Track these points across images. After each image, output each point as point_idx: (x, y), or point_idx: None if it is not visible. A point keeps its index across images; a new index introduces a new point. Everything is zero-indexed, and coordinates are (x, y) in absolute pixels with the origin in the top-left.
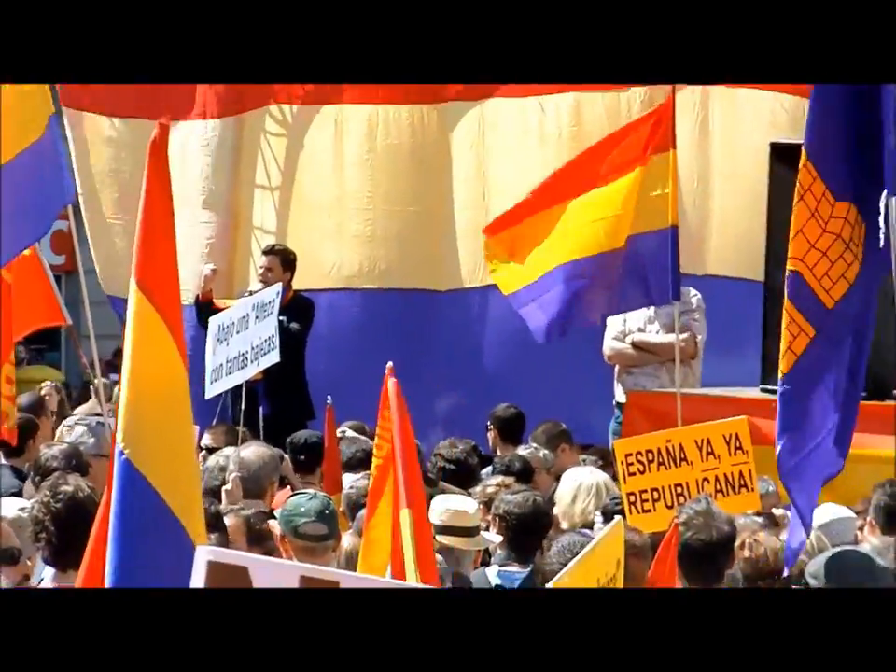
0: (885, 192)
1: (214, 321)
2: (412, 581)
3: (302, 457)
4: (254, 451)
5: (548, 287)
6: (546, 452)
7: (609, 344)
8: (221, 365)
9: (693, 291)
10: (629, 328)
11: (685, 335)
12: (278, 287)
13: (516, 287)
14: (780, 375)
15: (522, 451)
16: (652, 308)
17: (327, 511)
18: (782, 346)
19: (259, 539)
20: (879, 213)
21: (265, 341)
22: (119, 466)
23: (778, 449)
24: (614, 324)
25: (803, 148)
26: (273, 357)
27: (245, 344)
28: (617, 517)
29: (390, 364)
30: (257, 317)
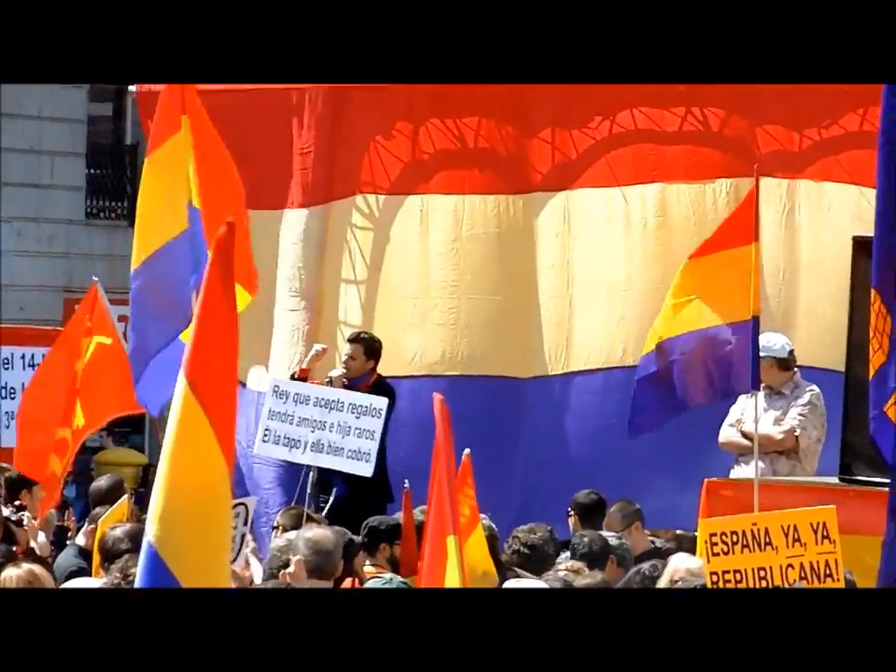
0: None
1: (284, 384)
2: None
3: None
4: (324, 533)
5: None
6: (615, 541)
7: (724, 432)
8: (286, 435)
9: (809, 386)
10: (745, 417)
11: (785, 427)
12: (384, 401)
13: None
14: None
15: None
16: (761, 399)
17: None
18: None
19: None
20: None
21: (362, 452)
22: (147, 562)
23: None
24: (733, 412)
25: None
26: (366, 471)
27: (332, 436)
28: None
29: (467, 451)
30: (357, 417)
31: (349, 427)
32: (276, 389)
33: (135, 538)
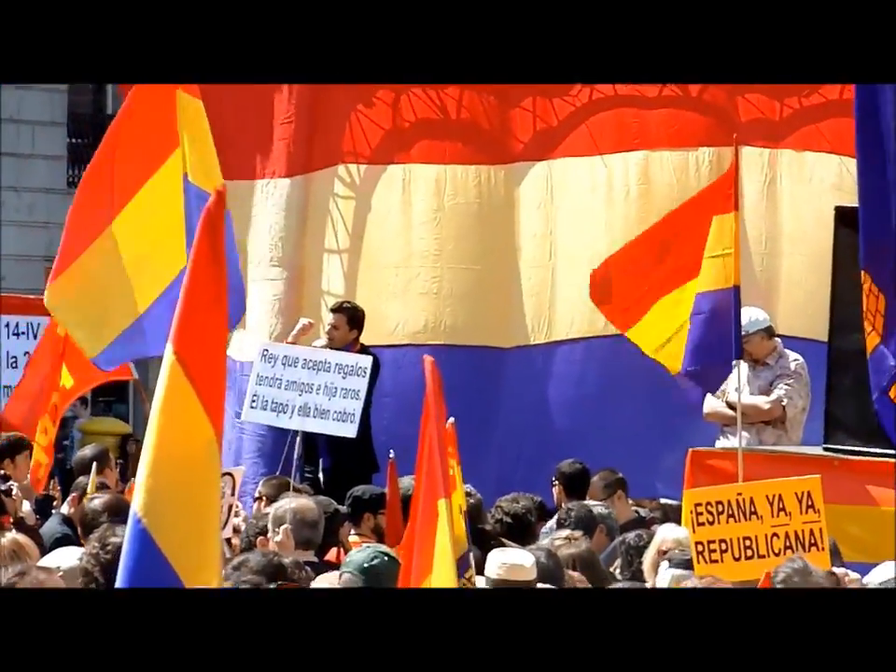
0: None
1: (273, 348)
2: (445, 568)
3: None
4: (309, 504)
5: None
6: (603, 510)
7: (709, 402)
8: (273, 400)
9: (794, 356)
10: (729, 388)
11: (773, 398)
12: (368, 359)
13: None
14: None
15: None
16: (745, 369)
17: (366, 565)
18: None
19: None
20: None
21: (347, 413)
22: (133, 532)
23: None
24: None
25: None
26: (351, 431)
27: (319, 398)
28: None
29: (451, 420)
30: (343, 378)
31: (335, 387)
32: (265, 353)
33: (113, 509)
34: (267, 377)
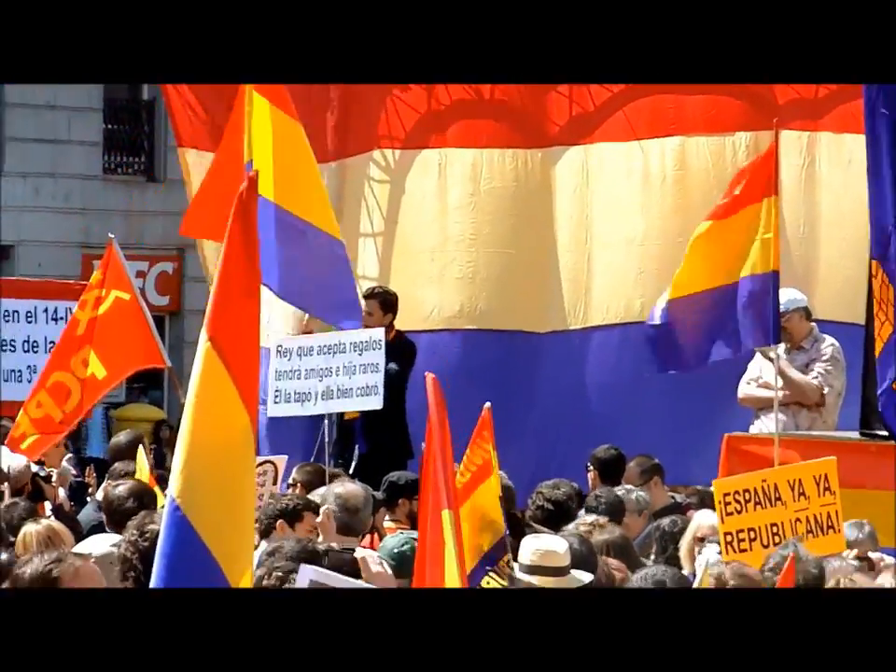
0: None
1: (287, 342)
2: (453, 579)
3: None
4: (355, 489)
5: (668, 317)
6: (640, 494)
7: (743, 387)
8: (296, 391)
9: (829, 340)
10: (765, 373)
11: (813, 384)
12: (381, 331)
13: None
14: None
15: (617, 490)
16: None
17: (396, 550)
18: None
19: None
20: None
21: (369, 387)
22: (171, 518)
23: None
24: (751, 368)
25: None
26: (376, 404)
27: (340, 378)
28: None
29: (488, 405)
30: (360, 354)
31: (354, 365)
32: (280, 349)
33: (139, 495)
34: (285, 371)
